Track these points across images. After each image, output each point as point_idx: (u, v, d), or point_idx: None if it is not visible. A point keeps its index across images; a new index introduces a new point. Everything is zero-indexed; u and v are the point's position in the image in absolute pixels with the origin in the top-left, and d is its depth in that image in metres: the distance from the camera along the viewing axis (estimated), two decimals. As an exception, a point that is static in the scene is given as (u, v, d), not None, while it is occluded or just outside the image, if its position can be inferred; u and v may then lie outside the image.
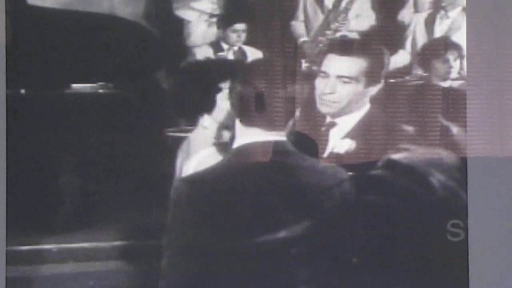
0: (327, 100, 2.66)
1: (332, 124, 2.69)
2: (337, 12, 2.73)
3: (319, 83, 2.68)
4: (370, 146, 2.70)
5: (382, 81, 2.69)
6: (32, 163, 2.62)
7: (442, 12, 2.73)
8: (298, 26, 2.72)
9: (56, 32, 2.67)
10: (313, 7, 2.73)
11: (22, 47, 2.66)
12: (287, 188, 2.64)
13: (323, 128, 2.69)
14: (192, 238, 2.59)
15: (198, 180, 2.61)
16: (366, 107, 2.69)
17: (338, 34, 2.73)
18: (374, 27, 2.72)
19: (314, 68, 2.68)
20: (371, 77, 2.70)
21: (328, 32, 2.73)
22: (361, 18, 2.72)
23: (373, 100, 2.70)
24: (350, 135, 2.70)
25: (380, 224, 2.67)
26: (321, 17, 2.73)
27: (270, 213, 2.64)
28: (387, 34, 2.72)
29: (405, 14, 2.74)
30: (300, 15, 2.72)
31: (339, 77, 2.67)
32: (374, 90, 2.67)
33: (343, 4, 2.73)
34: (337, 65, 2.67)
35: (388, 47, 2.71)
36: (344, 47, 2.72)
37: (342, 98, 2.68)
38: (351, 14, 2.72)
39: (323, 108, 2.67)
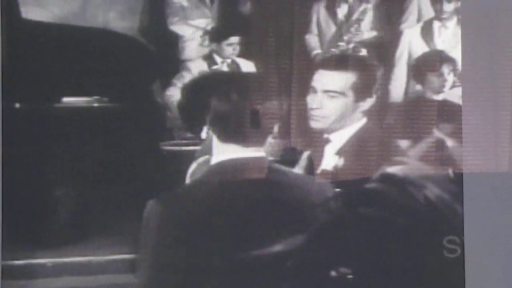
0: (315, 115, 2.66)
1: (327, 141, 2.70)
2: (350, 24, 2.76)
3: (309, 98, 2.68)
4: (365, 160, 2.70)
5: (375, 95, 2.70)
6: (26, 177, 2.63)
7: (439, 24, 2.75)
8: (312, 39, 2.76)
9: (51, 46, 2.69)
10: (326, 20, 2.77)
11: (17, 60, 2.68)
12: (270, 203, 2.63)
13: (317, 144, 2.71)
14: (173, 254, 2.58)
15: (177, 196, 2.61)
16: (361, 122, 2.69)
17: (351, 45, 2.76)
18: (375, 39, 2.75)
19: (305, 83, 2.69)
20: (361, 91, 2.70)
21: (341, 43, 2.76)
22: (367, 31, 2.75)
23: (368, 114, 2.71)
24: (344, 150, 2.71)
25: (374, 239, 2.66)
26: (333, 29, 2.77)
27: (249, 228, 2.63)
28: (384, 47, 2.74)
29: (403, 28, 2.76)
30: (314, 28, 2.76)
31: (326, 91, 2.67)
32: (366, 105, 2.68)
33: (355, 16, 2.76)
34: (325, 80, 2.67)
35: (386, 60, 2.73)
36: (337, 62, 2.73)
37: (330, 113, 2.68)
38: (363, 25, 2.76)
39: (313, 124, 2.67)
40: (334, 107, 2.70)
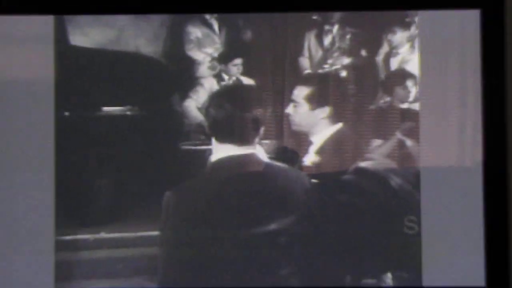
0: (296, 120, 2.83)
1: (310, 142, 2.87)
2: (333, 50, 2.89)
3: (290, 109, 2.82)
4: (341, 157, 2.86)
5: (348, 104, 2.84)
6: (74, 171, 2.81)
7: (394, 51, 2.90)
8: (304, 61, 2.87)
9: (93, 67, 2.83)
10: (316, 46, 2.89)
11: (67, 79, 2.81)
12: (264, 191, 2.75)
13: (302, 144, 2.86)
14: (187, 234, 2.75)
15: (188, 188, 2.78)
16: (338, 126, 2.86)
17: (333, 68, 2.88)
18: (350, 62, 2.89)
19: (292, 96, 2.83)
20: (337, 102, 2.85)
21: (325, 66, 2.89)
22: (347, 56, 2.89)
23: (343, 119, 2.85)
24: (324, 149, 2.86)
25: (350, 219, 2.80)
26: (320, 53, 2.88)
27: (250, 212, 2.79)
28: (358, 68, 2.89)
29: (375, 53, 2.91)
30: (306, 52, 2.88)
31: (308, 101, 2.81)
32: (340, 112, 2.82)
33: (337, 44, 2.89)
34: (309, 93, 2.81)
35: (361, 79, 2.87)
36: (320, 79, 2.88)
37: (310, 119, 2.82)
38: (342, 52, 2.88)
39: (296, 128, 2.83)
40: (314, 115, 2.85)
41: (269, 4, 2.78)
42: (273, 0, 2.77)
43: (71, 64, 2.81)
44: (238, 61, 2.88)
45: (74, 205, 2.83)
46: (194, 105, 2.85)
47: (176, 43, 2.86)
